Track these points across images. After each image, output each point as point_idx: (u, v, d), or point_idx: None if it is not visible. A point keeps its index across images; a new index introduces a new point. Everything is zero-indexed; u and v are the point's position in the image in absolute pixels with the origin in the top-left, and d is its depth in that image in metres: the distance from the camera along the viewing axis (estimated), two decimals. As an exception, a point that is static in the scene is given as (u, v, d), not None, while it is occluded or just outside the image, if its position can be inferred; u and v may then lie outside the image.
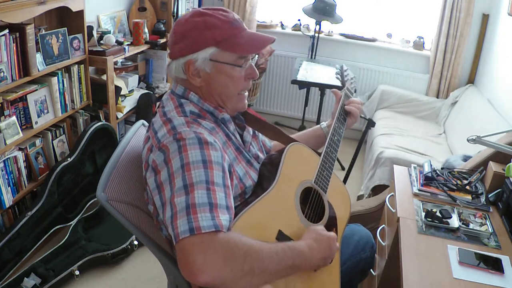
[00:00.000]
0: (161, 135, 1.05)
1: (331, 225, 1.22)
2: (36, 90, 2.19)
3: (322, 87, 3.27)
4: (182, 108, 1.12)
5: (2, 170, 2.02)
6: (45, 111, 2.27)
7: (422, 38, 3.74)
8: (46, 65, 2.22)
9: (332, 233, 1.11)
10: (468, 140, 1.57)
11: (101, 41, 2.68)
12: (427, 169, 1.79)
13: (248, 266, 0.90)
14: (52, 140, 2.36)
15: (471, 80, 3.64)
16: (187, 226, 0.88)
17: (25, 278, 1.99)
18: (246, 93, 1.22)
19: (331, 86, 3.10)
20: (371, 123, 2.56)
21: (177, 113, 1.10)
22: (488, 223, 1.52)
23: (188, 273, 0.86)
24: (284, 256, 0.97)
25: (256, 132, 1.36)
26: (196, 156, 0.98)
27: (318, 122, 3.43)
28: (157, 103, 3.13)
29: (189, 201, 0.92)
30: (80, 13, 2.39)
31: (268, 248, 0.95)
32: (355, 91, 1.62)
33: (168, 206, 0.95)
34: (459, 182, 1.73)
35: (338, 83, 1.65)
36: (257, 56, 1.23)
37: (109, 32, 2.76)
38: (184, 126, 1.04)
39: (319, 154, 1.30)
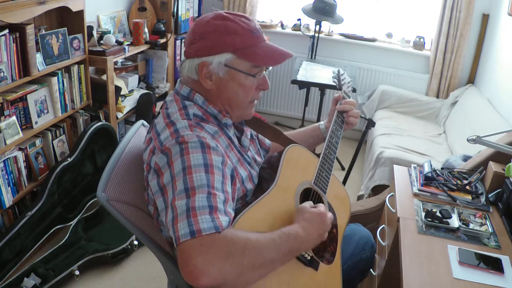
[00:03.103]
0: (164, 137, 1.05)
1: (332, 225, 1.22)
2: (36, 90, 2.19)
3: (322, 87, 3.27)
4: (186, 111, 1.12)
5: (2, 170, 2.02)
6: (45, 111, 2.27)
7: (422, 38, 3.74)
8: (46, 65, 2.22)
9: (322, 207, 1.10)
10: (468, 140, 1.57)
11: (101, 41, 2.68)
12: (427, 169, 1.79)
13: (247, 260, 0.90)
14: (52, 140, 2.36)
15: (471, 80, 3.64)
16: (187, 229, 0.89)
17: (25, 278, 1.99)
18: (255, 102, 1.22)
19: (331, 86, 3.11)
20: (371, 123, 2.56)
21: (180, 116, 1.09)
22: (488, 223, 1.52)
23: (189, 277, 0.86)
24: (281, 242, 0.98)
25: (254, 135, 1.37)
26: (197, 160, 0.98)
27: (318, 122, 3.43)
28: (158, 103, 3.13)
29: (190, 204, 0.92)
30: (80, 13, 2.39)
31: (264, 238, 0.95)
32: (354, 91, 1.63)
33: (170, 208, 0.95)
34: (459, 182, 1.73)
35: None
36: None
37: (109, 32, 2.76)
38: (187, 129, 1.04)
39: (318, 156, 1.31)
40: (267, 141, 1.43)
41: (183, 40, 3.45)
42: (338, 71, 1.65)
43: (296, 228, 1.03)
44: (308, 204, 1.11)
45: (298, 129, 1.55)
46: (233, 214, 0.99)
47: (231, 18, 1.11)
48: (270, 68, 1.19)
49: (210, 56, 1.10)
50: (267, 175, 1.20)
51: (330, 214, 1.11)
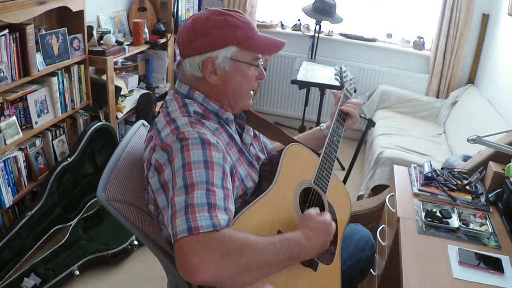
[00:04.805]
0: (165, 135, 1.06)
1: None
2: (36, 90, 2.19)
3: (322, 87, 3.27)
4: (186, 108, 1.12)
5: (2, 170, 2.02)
6: (45, 111, 2.27)
7: (422, 38, 3.74)
8: (46, 65, 2.22)
9: (327, 216, 1.10)
10: (468, 140, 1.57)
11: (101, 41, 2.68)
12: (427, 169, 1.79)
13: (245, 260, 0.89)
14: (52, 140, 2.36)
15: (471, 80, 3.64)
16: (185, 225, 0.89)
17: (25, 278, 1.99)
18: (252, 93, 1.24)
19: (331, 86, 3.10)
20: (371, 123, 2.56)
21: (181, 113, 1.10)
22: (488, 223, 1.52)
23: (185, 273, 0.86)
24: (281, 247, 0.97)
25: (257, 133, 1.37)
26: (197, 156, 0.98)
27: (318, 122, 3.43)
28: (158, 103, 3.13)
29: (188, 201, 0.92)
30: (80, 13, 2.39)
31: (264, 241, 0.95)
32: (354, 91, 1.63)
33: (169, 205, 0.96)
34: (459, 182, 1.73)
35: (338, 84, 1.66)
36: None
37: (109, 32, 2.76)
38: (187, 126, 1.05)
39: (319, 155, 1.30)
40: (269, 146, 1.43)
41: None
42: (341, 68, 1.64)
43: (298, 235, 1.03)
44: (314, 211, 1.10)
45: (298, 134, 1.55)
46: (233, 211, 0.99)
47: (229, 13, 1.13)
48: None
49: (215, 51, 1.11)
50: (266, 173, 1.20)
51: (334, 225, 1.11)
